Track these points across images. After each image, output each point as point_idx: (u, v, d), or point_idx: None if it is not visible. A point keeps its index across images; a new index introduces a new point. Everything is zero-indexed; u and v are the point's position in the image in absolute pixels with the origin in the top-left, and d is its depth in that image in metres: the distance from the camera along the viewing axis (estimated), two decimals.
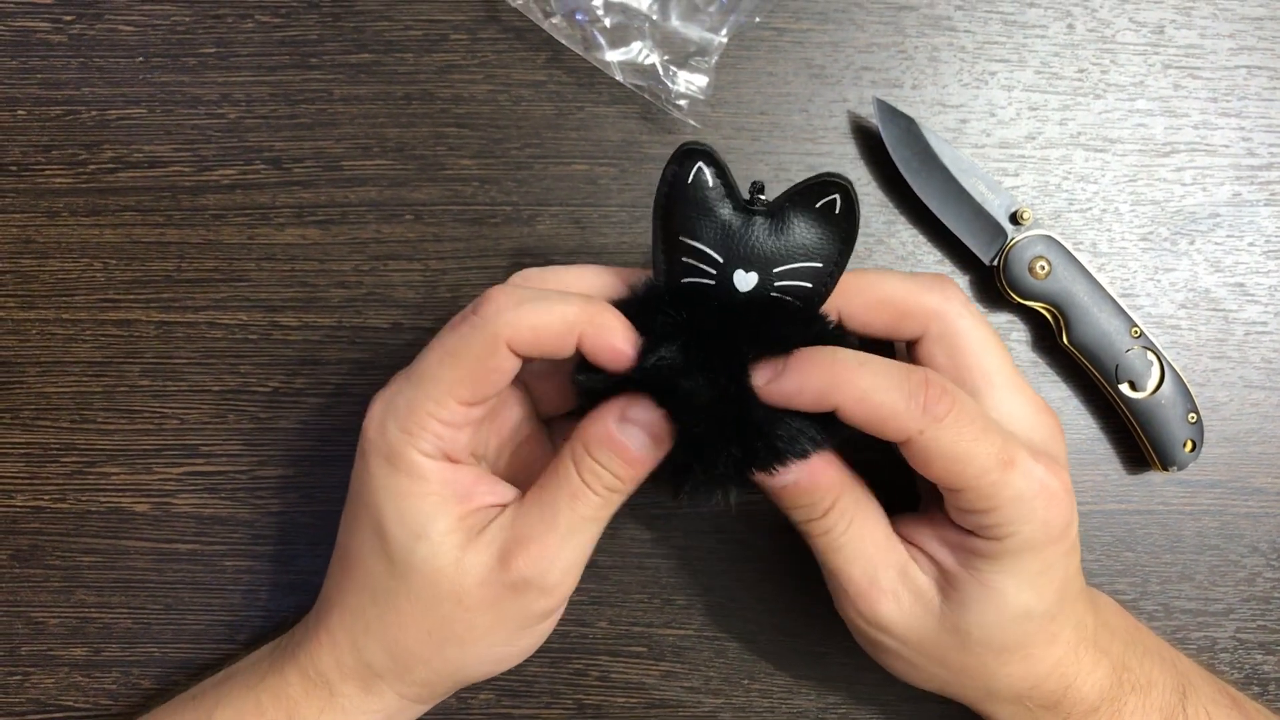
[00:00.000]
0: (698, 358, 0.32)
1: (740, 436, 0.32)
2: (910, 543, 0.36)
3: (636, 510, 0.44)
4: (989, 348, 0.35)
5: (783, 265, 0.33)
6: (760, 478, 0.34)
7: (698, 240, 0.33)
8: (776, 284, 0.33)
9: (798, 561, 0.44)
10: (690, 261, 0.33)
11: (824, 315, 0.35)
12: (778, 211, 0.33)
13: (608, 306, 0.33)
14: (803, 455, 0.33)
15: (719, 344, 0.33)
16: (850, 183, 0.32)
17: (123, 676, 0.44)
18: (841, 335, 0.35)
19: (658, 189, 0.33)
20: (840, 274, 0.34)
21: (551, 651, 0.44)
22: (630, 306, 0.34)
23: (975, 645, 0.34)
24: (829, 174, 0.32)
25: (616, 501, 0.35)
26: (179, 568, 0.44)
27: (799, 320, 0.34)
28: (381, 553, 0.35)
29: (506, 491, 0.36)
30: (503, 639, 0.35)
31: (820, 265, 0.33)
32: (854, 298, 0.35)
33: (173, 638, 0.44)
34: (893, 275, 0.35)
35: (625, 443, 0.33)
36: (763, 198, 0.33)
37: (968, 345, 0.35)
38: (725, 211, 0.33)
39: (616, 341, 0.33)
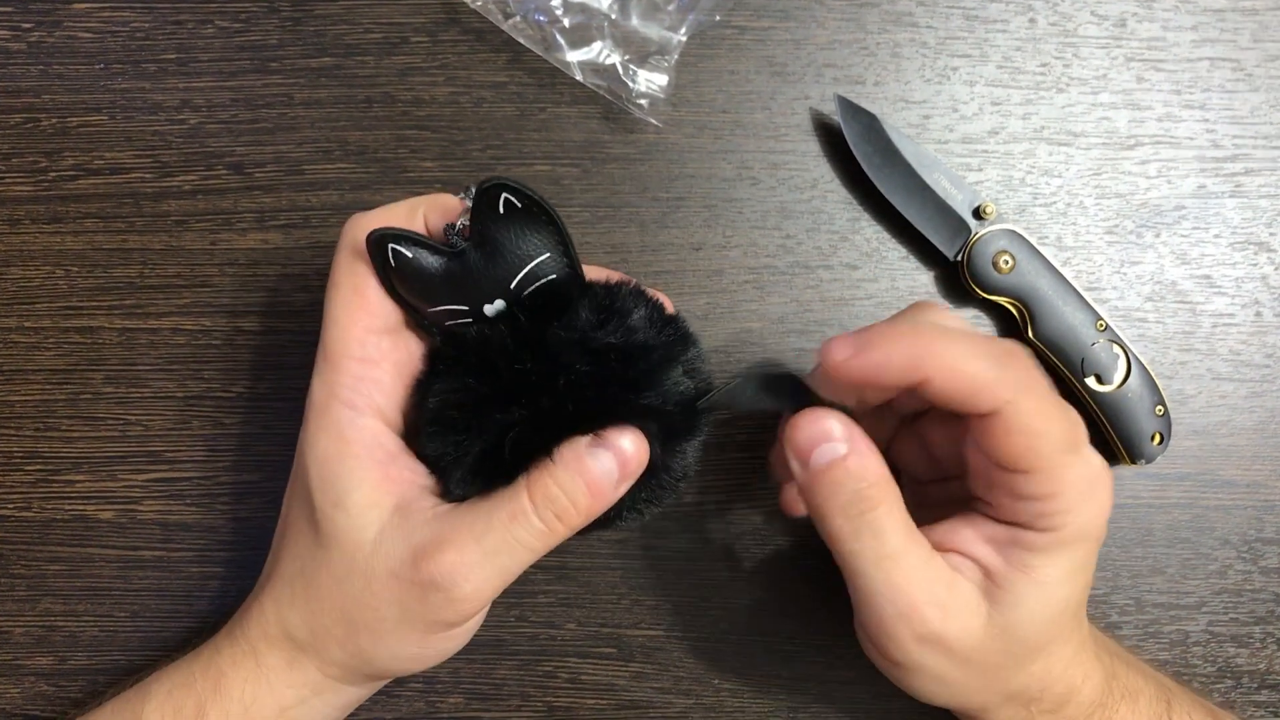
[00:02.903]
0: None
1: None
2: (948, 550, 0.34)
3: None
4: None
5: (515, 278, 0.33)
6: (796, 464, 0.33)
7: (436, 303, 0.34)
8: (526, 296, 0.34)
9: (766, 560, 0.44)
10: (448, 320, 0.34)
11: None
12: (477, 239, 0.33)
13: (443, 193, 0.34)
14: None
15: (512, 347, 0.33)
16: (506, 179, 0.32)
17: (89, 685, 0.43)
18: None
19: (379, 278, 0.34)
20: (570, 243, 0.34)
21: (521, 654, 0.44)
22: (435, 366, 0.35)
23: (1016, 645, 0.34)
24: (484, 181, 0.32)
25: (558, 535, 0.33)
26: (145, 574, 0.44)
27: (568, 296, 0.34)
28: (309, 520, 0.34)
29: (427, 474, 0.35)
30: (411, 638, 0.34)
31: (547, 255, 0.33)
32: (937, 373, 0.32)
33: (140, 645, 0.44)
34: (970, 354, 0.32)
35: (594, 467, 0.32)
36: (458, 237, 0.33)
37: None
38: (436, 266, 0.33)
39: (450, 203, 0.34)
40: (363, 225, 0.33)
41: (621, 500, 0.34)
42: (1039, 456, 0.32)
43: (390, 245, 0.33)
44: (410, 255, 0.33)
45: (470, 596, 0.33)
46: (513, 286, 0.34)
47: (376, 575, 0.33)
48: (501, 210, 0.32)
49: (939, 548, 0.34)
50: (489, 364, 0.33)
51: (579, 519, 0.33)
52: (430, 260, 0.33)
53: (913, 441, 0.39)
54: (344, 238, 0.34)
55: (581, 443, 0.32)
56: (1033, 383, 0.32)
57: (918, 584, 0.33)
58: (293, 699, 0.36)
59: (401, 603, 0.33)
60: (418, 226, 0.34)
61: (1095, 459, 0.33)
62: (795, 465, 0.33)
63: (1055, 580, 0.33)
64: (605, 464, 0.32)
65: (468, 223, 0.33)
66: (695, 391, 0.34)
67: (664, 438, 0.34)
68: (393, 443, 0.34)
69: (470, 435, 0.33)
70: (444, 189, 0.44)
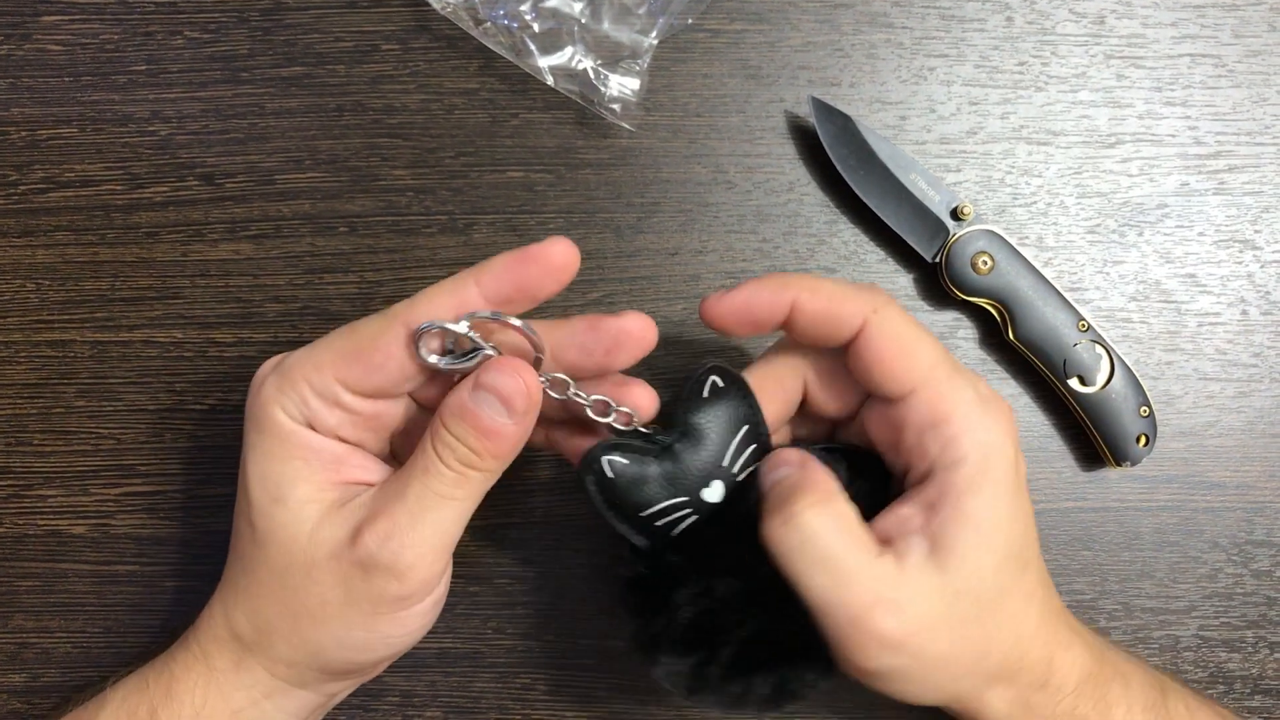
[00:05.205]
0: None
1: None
2: (892, 536, 0.34)
3: (579, 520, 0.43)
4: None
5: (727, 457, 0.34)
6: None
7: (654, 504, 0.34)
8: (736, 472, 0.34)
9: None
10: (661, 521, 0.34)
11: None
12: (683, 428, 0.34)
13: (493, 260, 0.33)
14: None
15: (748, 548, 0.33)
16: (713, 365, 0.34)
17: (62, 702, 0.43)
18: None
19: (589, 497, 0.34)
20: (760, 412, 0.35)
21: (499, 666, 0.43)
22: (641, 592, 0.35)
23: (971, 603, 0.33)
24: (700, 367, 0.34)
25: (476, 481, 0.33)
26: (118, 590, 0.43)
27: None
28: (246, 517, 0.34)
29: (387, 472, 0.35)
30: (359, 622, 0.33)
31: (747, 427, 0.34)
32: (799, 294, 0.34)
33: (113, 661, 0.43)
34: (830, 280, 0.35)
35: (478, 411, 0.32)
36: (657, 434, 0.34)
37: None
38: (652, 469, 0.34)
39: (509, 260, 0.32)
40: (406, 304, 0.33)
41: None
42: (917, 369, 0.33)
43: (601, 459, 0.33)
44: (626, 462, 0.33)
45: (414, 564, 0.32)
46: (724, 464, 0.34)
47: (317, 562, 0.33)
48: (706, 394, 0.34)
49: (884, 538, 0.34)
50: (723, 582, 0.34)
51: (491, 461, 0.33)
52: (639, 464, 0.33)
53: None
54: (391, 307, 0.33)
55: (464, 389, 0.32)
56: (892, 303, 0.34)
57: (864, 585, 0.32)
58: (244, 701, 0.35)
59: (345, 584, 0.33)
60: (466, 302, 0.32)
61: (981, 384, 0.34)
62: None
63: (987, 518, 0.33)
64: (488, 402, 0.32)
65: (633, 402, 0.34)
66: None
67: None
68: (338, 447, 0.34)
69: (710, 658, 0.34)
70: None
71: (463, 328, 0.32)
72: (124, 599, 0.43)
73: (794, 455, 0.35)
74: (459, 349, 0.33)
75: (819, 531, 0.32)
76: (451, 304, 0.32)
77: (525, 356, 0.33)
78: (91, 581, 0.43)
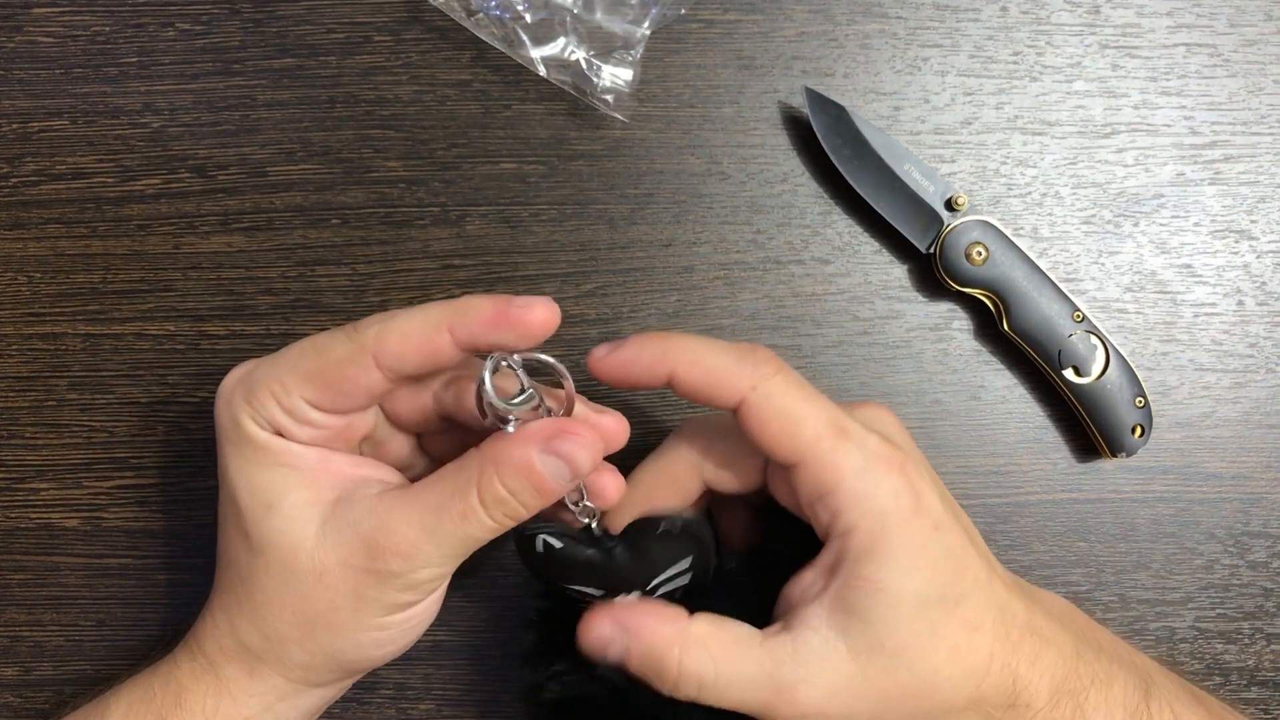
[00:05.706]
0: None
1: None
2: (794, 613, 0.34)
3: None
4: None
5: (654, 580, 0.35)
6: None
7: (575, 585, 0.35)
8: (660, 594, 0.35)
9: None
10: (578, 597, 0.35)
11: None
12: (629, 540, 0.35)
13: (472, 296, 0.33)
14: None
15: None
16: (683, 520, 0.35)
17: (55, 695, 0.43)
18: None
19: (518, 554, 0.35)
20: (715, 554, 0.36)
21: (492, 658, 0.43)
22: (538, 636, 0.37)
23: (894, 659, 0.32)
24: (670, 517, 0.35)
25: (509, 526, 0.33)
26: (111, 583, 0.43)
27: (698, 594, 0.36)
28: (239, 528, 0.34)
29: (373, 466, 0.35)
30: (372, 623, 0.34)
31: (689, 560, 0.35)
32: (679, 365, 0.33)
33: (106, 654, 0.43)
34: (711, 350, 0.34)
35: (545, 474, 0.32)
36: (603, 536, 0.35)
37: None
38: (584, 558, 0.34)
39: (486, 314, 0.32)
40: (375, 331, 0.32)
41: None
42: (801, 441, 0.32)
43: (539, 537, 0.34)
44: (560, 546, 0.34)
45: (430, 579, 0.33)
46: (649, 587, 0.35)
47: (328, 568, 0.33)
48: (660, 531, 0.35)
49: (788, 604, 0.34)
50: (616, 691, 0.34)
51: (530, 514, 0.33)
52: (578, 550, 0.34)
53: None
54: (360, 328, 0.33)
55: (533, 447, 0.32)
56: (776, 374, 0.33)
57: (766, 680, 0.32)
58: (257, 708, 0.35)
59: (357, 590, 0.33)
60: (441, 340, 0.32)
61: (872, 441, 0.33)
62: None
63: (890, 577, 0.32)
64: (557, 469, 0.32)
65: (593, 509, 0.35)
66: None
67: None
68: (322, 450, 0.34)
69: None
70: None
71: (521, 369, 0.33)
72: (116, 592, 0.43)
73: (605, 628, 0.33)
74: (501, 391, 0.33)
75: (704, 670, 0.32)
76: (423, 345, 0.32)
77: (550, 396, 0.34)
78: (84, 575, 0.43)
